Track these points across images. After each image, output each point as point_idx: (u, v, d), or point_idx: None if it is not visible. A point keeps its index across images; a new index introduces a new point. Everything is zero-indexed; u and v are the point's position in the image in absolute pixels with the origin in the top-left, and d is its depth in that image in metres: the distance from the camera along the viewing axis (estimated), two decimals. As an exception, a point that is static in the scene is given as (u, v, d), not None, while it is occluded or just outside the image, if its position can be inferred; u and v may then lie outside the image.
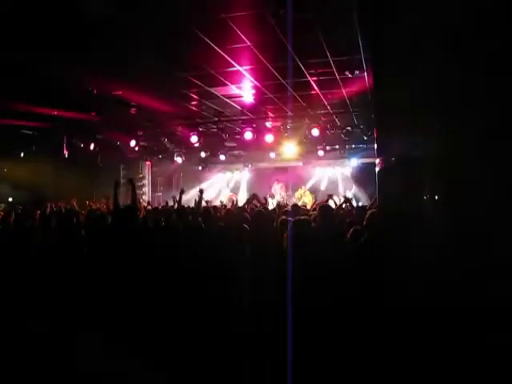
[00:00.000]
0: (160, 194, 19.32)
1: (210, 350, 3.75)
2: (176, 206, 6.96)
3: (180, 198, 6.55)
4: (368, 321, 3.24)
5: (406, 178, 2.34)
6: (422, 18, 2.28)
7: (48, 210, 7.88)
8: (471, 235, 2.06)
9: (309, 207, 8.76)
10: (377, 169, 2.57)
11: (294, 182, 18.48)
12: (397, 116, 2.42)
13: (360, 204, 11.98)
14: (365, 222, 4.32)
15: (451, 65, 2.09)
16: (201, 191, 6.43)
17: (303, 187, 16.90)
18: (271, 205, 11.34)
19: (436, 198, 2.20)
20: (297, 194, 16.34)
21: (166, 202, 7.58)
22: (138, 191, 17.38)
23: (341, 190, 17.66)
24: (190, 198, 12.21)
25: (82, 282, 4.52)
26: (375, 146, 2.74)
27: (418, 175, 2.24)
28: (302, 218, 4.26)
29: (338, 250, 4.04)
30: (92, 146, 13.41)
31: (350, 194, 17.28)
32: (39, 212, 7.46)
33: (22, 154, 13.51)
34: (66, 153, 13.11)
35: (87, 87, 8.79)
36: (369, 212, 4.43)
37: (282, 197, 16.14)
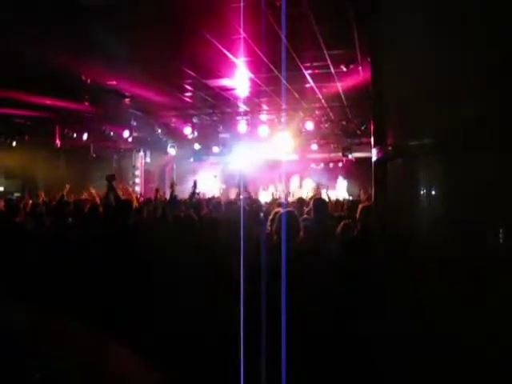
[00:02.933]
0: (153, 185, 19.24)
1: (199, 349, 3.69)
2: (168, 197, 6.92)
3: (173, 189, 6.53)
4: (357, 318, 3.22)
5: (402, 169, 2.29)
6: (422, 6, 2.22)
7: (40, 200, 7.78)
8: (469, 234, 2.01)
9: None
10: (373, 159, 2.52)
11: (288, 175, 18.46)
12: (395, 106, 2.37)
13: (351, 198, 11.96)
14: (357, 216, 4.27)
15: (453, 50, 2.04)
16: (195, 183, 6.40)
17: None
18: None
19: (433, 192, 2.15)
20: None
21: (157, 190, 7.44)
22: (129, 182, 17.38)
23: (333, 183, 17.69)
24: (182, 190, 12.16)
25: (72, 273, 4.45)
26: (371, 138, 2.68)
27: (415, 166, 2.19)
28: (290, 209, 4.24)
29: (330, 245, 4.01)
30: (85, 136, 13.26)
31: (343, 189, 17.36)
32: (31, 203, 7.37)
33: (14, 143, 13.35)
34: (58, 142, 12.95)
35: (80, 77, 8.65)
36: (361, 205, 4.38)
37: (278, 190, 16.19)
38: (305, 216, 4.90)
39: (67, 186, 7.49)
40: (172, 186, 6.57)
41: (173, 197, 6.41)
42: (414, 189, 2.14)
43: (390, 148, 2.33)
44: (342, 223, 4.38)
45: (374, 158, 2.50)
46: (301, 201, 6.94)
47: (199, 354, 3.63)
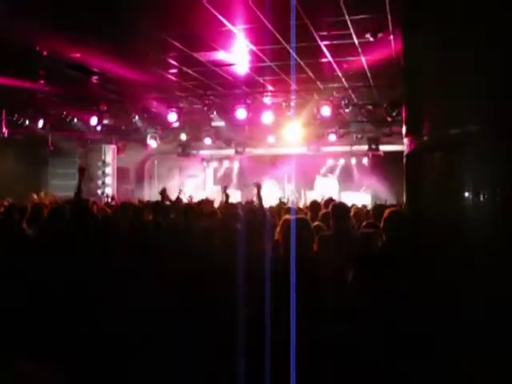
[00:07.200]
0: (129, 186, 19.29)
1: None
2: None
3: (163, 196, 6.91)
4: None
5: (441, 166, 2.28)
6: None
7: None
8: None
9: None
10: (404, 153, 2.52)
11: (298, 174, 18.51)
12: (432, 87, 2.36)
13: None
14: (382, 224, 4.23)
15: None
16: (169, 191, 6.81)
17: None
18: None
19: (482, 195, 2.14)
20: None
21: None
22: (98, 181, 17.44)
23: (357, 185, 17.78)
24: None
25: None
26: (403, 127, 2.68)
27: (459, 162, 2.18)
28: (302, 216, 4.28)
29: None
30: (40, 124, 13.27)
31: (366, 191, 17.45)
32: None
33: None
34: (5, 131, 12.95)
35: (34, 47, 8.66)
36: (387, 211, 4.34)
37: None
38: (317, 223, 4.91)
39: (7, 200, 7.36)
40: (163, 193, 6.96)
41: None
42: (456, 190, 2.12)
43: (425, 138, 2.32)
44: (360, 232, 4.42)
45: (405, 151, 2.49)
46: (315, 205, 7.03)
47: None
